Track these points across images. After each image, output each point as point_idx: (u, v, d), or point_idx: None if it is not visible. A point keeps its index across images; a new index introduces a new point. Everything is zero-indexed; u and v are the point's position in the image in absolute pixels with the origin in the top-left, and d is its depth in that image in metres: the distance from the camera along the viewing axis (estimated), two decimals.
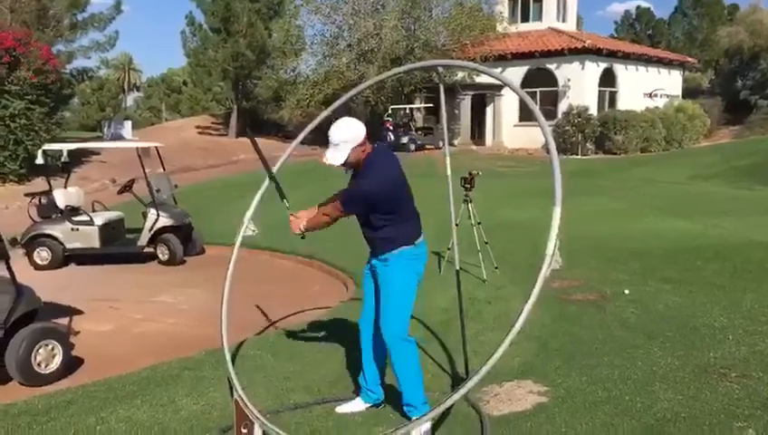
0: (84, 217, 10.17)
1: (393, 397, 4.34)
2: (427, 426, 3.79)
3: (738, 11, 44.40)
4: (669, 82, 32.43)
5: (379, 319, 4.00)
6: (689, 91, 34.97)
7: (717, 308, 6.15)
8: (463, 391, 3.18)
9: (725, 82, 36.72)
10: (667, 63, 32.54)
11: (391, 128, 26.93)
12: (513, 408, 4.22)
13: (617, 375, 4.65)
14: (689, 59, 35.25)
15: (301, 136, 4.79)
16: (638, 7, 53.47)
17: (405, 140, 26.59)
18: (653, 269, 7.78)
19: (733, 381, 4.47)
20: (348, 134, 3.82)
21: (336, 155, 3.84)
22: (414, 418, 3.83)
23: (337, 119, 3.97)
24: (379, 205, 3.87)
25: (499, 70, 25.32)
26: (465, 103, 28.81)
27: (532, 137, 25.90)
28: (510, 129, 28.93)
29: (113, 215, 10.71)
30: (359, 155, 3.85)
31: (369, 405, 4.25)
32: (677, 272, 7.59)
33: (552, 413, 4.10)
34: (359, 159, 3.86)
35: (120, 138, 26.69)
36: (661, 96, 31.08)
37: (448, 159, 4.59)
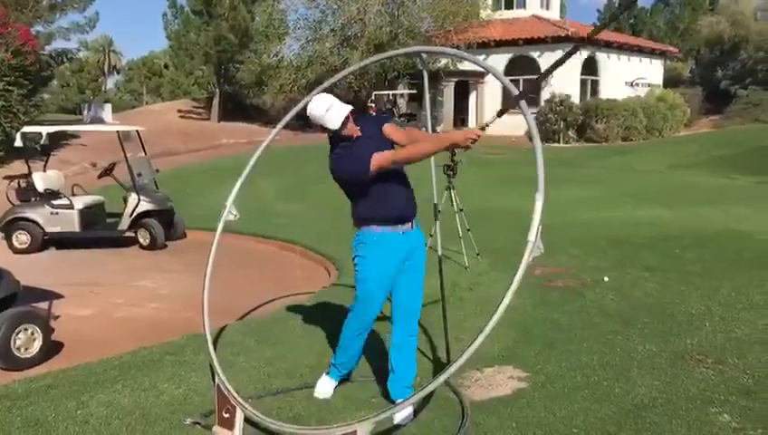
0: (64, 201, 10.08)
1: (378, 381, 4.37)
2: (408, 410, 3.83)
3: (719, 1, 44.66)
4: (651, 71, 32.63)
5: (416, 299, 4.06)
6: (670, 81, 35.18)
7: (695, 295, 6.24)
8: (444, 376, 3.20)
9: (706, 71, 36.96)
10: (649, 53, 32.73)
11: (375, 114, 26.89)
12: (494, 393, 4.27)
13: (596, 361, 4.71)
14: (671, 48, 35.47)
15: (283, 121, 4.77)
16: None
17: (387, 126, 26.54)
18: (632, 257, 7.86)
19: (709, 367, 4.55)
20: (330, 97, 3.84)
21: (338, 112, 3.78)
22: (396, 402, 3.86)
23: None
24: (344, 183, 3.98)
25: (482, 57, 25.44)
26: (449, 90, 28.80)
27: (515, 124, 25.81)
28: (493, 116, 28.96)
29: (93, 199, 10.62)
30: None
31: (338, 382, 4.29)
32: (656, 260, 7.68)
33: (532, 398, 4.15)
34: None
35: (100, 121, 26.39)
36: (642, 85, 31.27)
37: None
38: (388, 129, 3.99)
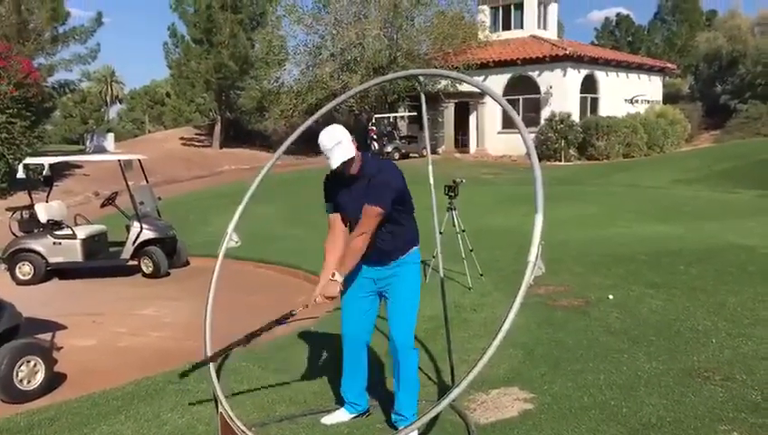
0: (67, 231, 10.08)
1: (381, 406, 4.33)
2: None
3: (716, 17, 44.95)
4: (650, 88, 32.73)
5: (395, 328, 3.97)
6: (670, 97, 35.29)
7: (700, 311, 6.20)
8: (449, 399, 3.17)
9: (705, 87, 37.13)
10: (648, 69, 32.86)
11: (375, 136, 26.99)
12: (500, 415, 4.22)
13: (602, 380, 4.67)
14: (669, 65, 35.60)
15: (284, 146, 4.78)
16: (617, 14, 53.86)
17: (389, 148, 26.71)
18: (636, 274, 7.83)
19: (717, 384, 4.50)
20: (341, 133, 3.83)
21: (343, 152, 3.79)
22: (401, 427, 3.82)
23: (322, 127, 3.97)
24: (403, 198, 3.91)
25: (481, 78, 25.63)
26: (449, 111, 28.93)
27: (516, 144, 26.01)
28: (493, 136, 29.08)
29: (96, 228, 10.62)
30: (356, 150, 3.87)
31: (354, 415, 4.23)
32: (660, 276, 7.64)
33: (539, 420, 4.10)
34: (357, 154, 3.86)
35: (102, 150, 26.55)
36: (642, 102, 31.36)
37: (431, 166, 4.60)
38: (366, 209, 3.83)
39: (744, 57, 34.62)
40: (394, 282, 4.00)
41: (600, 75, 29.57)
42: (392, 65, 26.90)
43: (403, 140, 28.21)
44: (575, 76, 28.23)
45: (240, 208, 4.50)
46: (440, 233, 5.04)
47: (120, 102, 68.45)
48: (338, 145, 3.79)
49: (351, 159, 3.82)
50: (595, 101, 29.70)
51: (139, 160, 11.12)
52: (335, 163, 3.80)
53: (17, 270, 9.91)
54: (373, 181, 3.83)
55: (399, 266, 3.99)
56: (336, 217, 4.04)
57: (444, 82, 27.04)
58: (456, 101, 28.85)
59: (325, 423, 4.18)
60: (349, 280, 4.01)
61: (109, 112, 65.10)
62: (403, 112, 29.63)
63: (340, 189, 3.97)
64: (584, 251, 9.30)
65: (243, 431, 3.62)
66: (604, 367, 4.93)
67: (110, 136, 29.91)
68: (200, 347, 4.36)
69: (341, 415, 4.23)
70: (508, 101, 4.02)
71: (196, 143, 30.77)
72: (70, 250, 9.98)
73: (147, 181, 11.32)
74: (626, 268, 8.13)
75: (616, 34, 51.91)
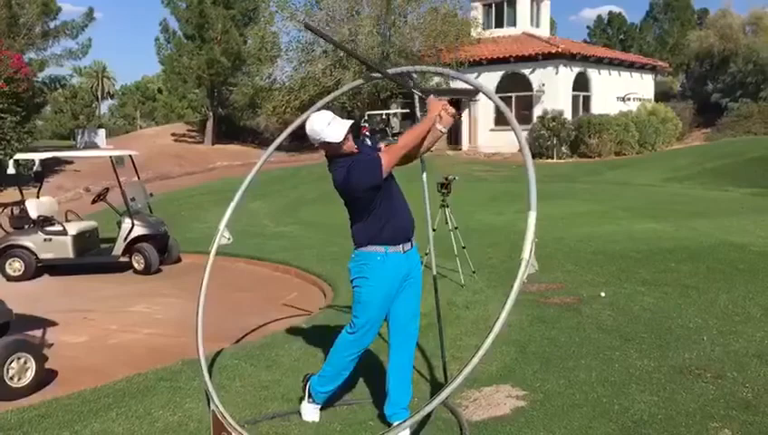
0: (57, 227, 10.04)
1: (375, 403, 4.33)
2: (406, 433, 3.78)
3: (708, 15, 45.10)
4: (641, 86, 32.83)
5: (415, 317, 4.04)
6: (661, 95, 35.40)
7: (692, 309, 6.22)
8: (442, 396, 3.17)
9: (696, 85, 37.23)
10: (639, 67, 32.96)
11: (368, 134, 26.95)
12: (493, 413, 4.22)
13: (594, 378, 4.68)
14: (660, 63, 35.73)
15: (276, 142, 4.76)
16: (609, 12, 53.94)
17: (382, 145, 26.66)
18: (628, 271, 7.84)
19: (708, 381, 4.52)
20: (329, 114, 3.83)
21: (340, 124, 3.76)
22: (394, 424, 3.82)
23: None
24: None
25: (474, 75, 25.64)
26: None
27: (508, 141, 26.04)
28: (486, 133, 29.09)
29: (87, 224, 10.58)
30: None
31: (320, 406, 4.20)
32: (652, 274, 7.67)
33: (531, 417, 4.11)
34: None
35: (93, 146, 26.42)
36: (634, 100, 31.45)
37: (423, 163, 4.58)
38: (384, 147, 4.01)
39: (736, 55, 34.74)
40: (416, 270, 4.00)
41: (592, 73, 29.64)
42: (385, 62, 26.87)
43: (396, 137, 28.17)
44: (567, 74, 28.27)
45: (232, 205, 4.47)
46: (433, 230, 5.03)
47: (112, 98, 68.17)
48: (329, 126, 3.76)
49: (350, 130, 3.77)
50: (587, 99, 29.76)
51: (131, 156, 11.08)
52: (339, 135, 3.73)
53: (7, 266, 9.86)
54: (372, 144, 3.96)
55: (417, 255, 4.02)
56: None
57: (437, 79, 27.03)
58: (449, 98, 28.80)
59: (314, 420, 4.16)
60: (384, 285, 3.86)
61: (100, 108, 64.76)
62: (396, 109, 29.60)
63: None
64: (576, 248, 9.32)
65: (234, 428, 3.60)
66: (596, 364, 4.94)
67: (102, 132, 29.78)
68: (192, 344, 4.34)
69: (315, 410, 4.17)
70: (500, 98, 4.03)
71: (188, 139, 30.68)
72: (60, 246, 9.94)
73: (138, 177, 11.28)
74: (618, 266, 8.15)
75: (608, 32, 52.00)
